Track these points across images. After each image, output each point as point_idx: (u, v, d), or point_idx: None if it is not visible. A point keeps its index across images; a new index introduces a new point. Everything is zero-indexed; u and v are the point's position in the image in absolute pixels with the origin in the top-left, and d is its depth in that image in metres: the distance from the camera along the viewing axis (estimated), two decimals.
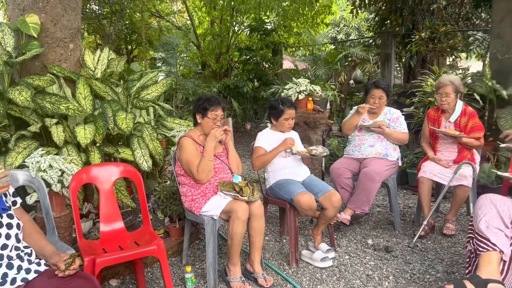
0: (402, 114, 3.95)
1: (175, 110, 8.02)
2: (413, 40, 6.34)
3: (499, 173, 2.47)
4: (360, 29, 16.57)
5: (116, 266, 2.85)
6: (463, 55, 9.51)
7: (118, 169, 2.66)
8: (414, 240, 3.35)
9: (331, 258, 3.14)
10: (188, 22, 11.67)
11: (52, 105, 2.97)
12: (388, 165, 3.69)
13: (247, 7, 9.08)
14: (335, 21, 17.54)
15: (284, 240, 3.57)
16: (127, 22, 10.81)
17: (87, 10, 9.78)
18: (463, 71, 5.23)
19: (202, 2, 10.60)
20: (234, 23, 10.20)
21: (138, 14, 10.31)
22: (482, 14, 8.83)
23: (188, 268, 2.78)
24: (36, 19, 3.22)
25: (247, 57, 9.79)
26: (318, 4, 10.53)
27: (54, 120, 3.07)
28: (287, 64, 12.08)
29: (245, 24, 10.71)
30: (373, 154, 3.74)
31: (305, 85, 4.47)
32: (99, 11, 10.32)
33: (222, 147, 3.05)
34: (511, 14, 4.87)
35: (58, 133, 2.96)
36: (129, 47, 14.25)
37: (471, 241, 2.17)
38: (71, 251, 2.15)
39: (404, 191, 4.91)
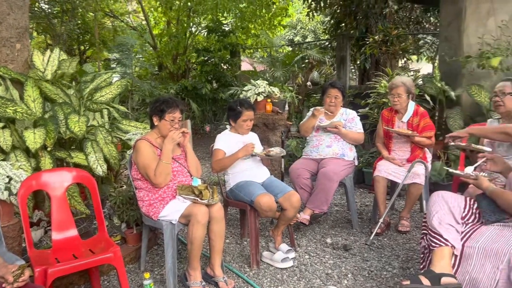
0: (358, 115, 4.05)
1: (131, 112, 7.82)
2: (367, 42, 6.52)
3: (450, 170, 2.57)
4: (316, 31, 16.85)
5: (70, 276, 2.72)
6: (414, 57, 9.91)
7: (70, 175, 2.56)
8: (371, 238, 3.44)
9: (292, 258, 3.16)
10: (144, 22, 11.43)
11: None
12: (345, 165, 3.76)
13: (204, 8, 9.01)
14: (292, 23, 17.75)
15: (245, 242, 3.56)
16: (79, 22, 10.44)
17: (36, 8, 9.35)
18: (415, 73, 5.44)
19: (158, 2, 10.42)
20: (191, 24, 10.09)
21: (91, 13, 9.98)
22: (431, 18, 9.23)
23: (147, 275, 2.70)
24: None
25: (205, 58, 9.70)
26: (275, 6, 10.62)
27: (1, 124, 2.91)
28: (245, 65, 12.10)
29: (203, 25, 10.62)
30: (331, 154, 3.80)
31: (264, 87, 4.49)
32: (49, 10, 9.91)
33: (181, 150, 3.00)
34: (458, 18, 5.11)
35: (4, 138, 2.81)
36: (82, 47, 13.77)
37: (424, 237, 2.24)
38: (20, 262, 2.03)
39: (361, 190, 5.03)
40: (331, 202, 4.57)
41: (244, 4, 10.03)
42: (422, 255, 2.32)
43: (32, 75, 3.24)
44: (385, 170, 3.66)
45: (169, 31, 10.06)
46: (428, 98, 5.13)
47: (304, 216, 3.62)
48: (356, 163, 3.99)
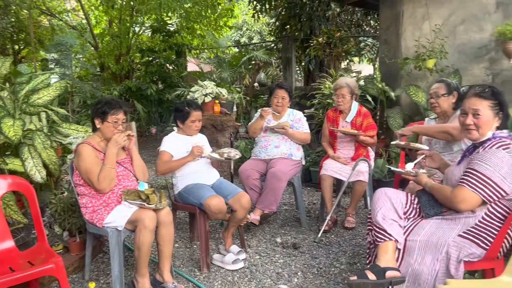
0: (304, 116, 4.13)
1: (72, 115, 7.46)
2: (311, 44, 6.66)
3: (392, 168, 2.69)
4: (262, 33, 17.00)
5: None
6: (356, 59, 10.28)
7: (5, 182, 2.39)
8: (319, 235, 3.52)
9: (242, 259, 3.15)
10: (84, 21, 10.96)
11: None
12: (293, 165, 3.82)
13: (148, 8, 8.79)
14: (238, 24, 17.79)
15: (195, 246, 3.51)
16: (13, 19, 9.81)
17: None
18: (357, 74, 5.63)
19: (99, 1, 10.03)
20: (134, 23, 9.80)
21: (25, 11, 9.41)
22: (372, 22, 9.61)
23: (92, 284, 2.58)
24: None
25: (150, 59, 9.47)
26: (220, 7, 10.58)
27: None
28: (192, 66, 11.95)
29: (147, 25, 10.36)
30: (279, 155, 3.85)
31: (211, 88, 4.45)
32: None
33: (126, 153, 2.90)
34: (396, 22, 5.35)
35: None
36: (16, 47, 12.97)
37: (370, 232, 2.32)
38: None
39: (308, 188, 5.13)
40: (280, 201, 4.62)
41: (189, 4, 9.92)
42: (368, 250, 2.40)
43: None
44: (330, 168, 3.76)
45: (110, 30, 9.71)
46: (369, 98, 5.35)
47: (254, 217, 3.63)
48: (304, 163, 4.06)
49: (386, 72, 5.50)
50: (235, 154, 3.23)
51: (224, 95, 4.51)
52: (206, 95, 4.38)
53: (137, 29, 10.33)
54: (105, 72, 10.41)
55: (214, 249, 3.41)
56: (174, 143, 3.24)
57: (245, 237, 3.58)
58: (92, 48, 10.61)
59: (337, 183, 4.16)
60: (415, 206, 2.32)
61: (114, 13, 9.93)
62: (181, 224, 3.97)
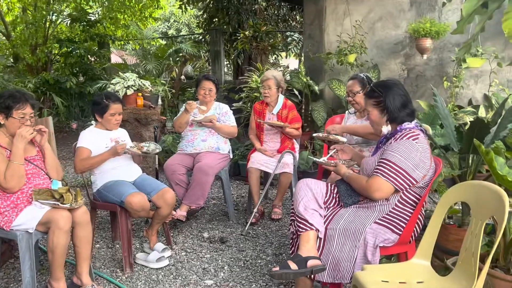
0: (232, 109, 4.12)
1: None
2: (238, 38, 6.66)
3: (314, 159, 2.75)
4: (190, 25, 16.74)
5: None
6: (283, 54, 10.47)
7: None
8: (246, 228, 3.53)
9: (167, 257, 3.07)
10: None
11: None
12: (220, 158, 3.79)
13: None
14: (165, 16, 17.35)
15: (117, 246, 3.35)
16: None
17: None
18: (284, 68, 5.71)
19: None
20: (51, 11, 9.15)
21: None
22: (297, 17, 9.82)
23: None
24: None
25: (69, 50, 8.91)
26: None
27: None
28: (115, 58, 11.44)
29: (65, 14, 9.73)
30: (206, 148, 3.80)
31: (134, 80, 4.28)
32: None
33: (36, 150, 2.68)
34: (319, 17, 5.50)
35: None
36: None
37: (293, 223, 2.35)
38: None
39: (237, 181, 5.13)
40: (209, 195, 4.57)
41: None
42: (291, 241, 2.44)
43: None
44: (257, 161, 3.78)
45: (24, 18, 8.97)
46: (296, 92, 5.46)
47: (181, 213, 3.55)
48: (231, 156, 4.05)
49: (310, 66, 5.65)
50: (154, 148, 3.11)
51: (147, 88, 4.35)
52: (128, 87, 4.19)
53: (54, 18, 9.67)
54: (20, 64, 9.64)
55: (139, 248, 3.29)
56: (93, 139, 3.06)
57: (171, 234, 3.49)
58: (4, 37, 9.77)
59: (265, 175, 4.21)
60: (334, 195, 2.39)
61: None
62: (103, 224, 3.79)
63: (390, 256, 2.55)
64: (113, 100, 3.08)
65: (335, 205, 2.38)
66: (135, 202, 2.82)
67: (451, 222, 2.70)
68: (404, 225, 2.18)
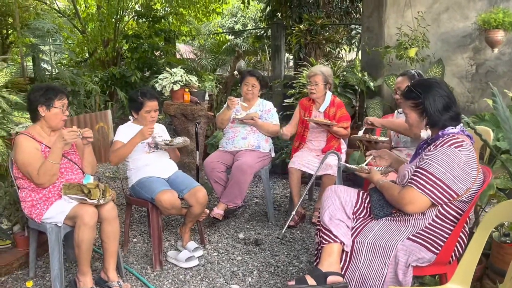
0: (283, 105, 3.97)
1: None
2: (293, 31, 6.45)
3: (346, 164, 2.53)
4: (256, 20, 16.71)
5: None
6: (347, 48, 10.04)
7: None
8: (283, 231, 3.34)
9: (198, 256, 3.02)
10: (72, 6, 10.72)
11: None
12: (261, 157, 3.66)
13: None
14: (233, 11, 17.49)
15: None
16: None
17: None
18: (338, 62, 5.42)
19: None
20: (121, 8, 9.55)
21: None
22: (360, 9, 9.35)
23: (29, 283, 2.47)
24: None
25: (135, 45, 9.25)
26: None
27: None
28: (187, 53, 11.71)
29: (134, 10, 10.11)
30: (246, 147, 3.69)
31: (181, 75, 4.27)
32: None
33: (71, 143, 2.72)
34: (379, 9, 5.14)
35: None
36: (4, 31, 12.74)
37: (318, 233, 2.17)
38: None
39: (284, 180, 4.97)
40: (252, 194, 4.49)
41: None
42: (316, 252, 2.25)
43: None
44: (298, 161, 3.60)
45: (94, 15, 9.45)
46: (356, 88, 5.16)
47: (218, 211, 3.48)
48: (273, 155, 3.90)
49: (368, 61, 5.31)
50: (179, 141, 3.04)
51: (194, 83, 4.32)
52: (175, 83, 4.19)
53: (124, 14, 10.10)
54: (91, 59, 10.20)
55: (173, 244, 3.27)
56: (128, 133, 3.06)
57: (207, 233, 3.44)
58: (80, 33, 10.39)
59: (309, 175, 4.01)
60: (365, 205, 2.17)
61: None
62: (144, 218, 3.83)
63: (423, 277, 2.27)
64: (149, 98, 3.06)
65: (366, 216, 2.16)
66: (165, 199, 2.79)
67: (507, 241, 2.34)
68: (443, 243, 1.91)
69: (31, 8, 10.75)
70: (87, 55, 10.79)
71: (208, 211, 3.28)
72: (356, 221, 2.13)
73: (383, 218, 2.07)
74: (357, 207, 2.16)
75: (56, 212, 2.46)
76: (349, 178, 4.48)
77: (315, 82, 3.65)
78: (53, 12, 10.98)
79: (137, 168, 3.06)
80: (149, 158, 3.08)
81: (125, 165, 3.16)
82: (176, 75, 4.25)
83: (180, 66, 4.60)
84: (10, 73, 3.20)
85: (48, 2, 10.76)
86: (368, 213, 2.16)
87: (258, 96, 3.89)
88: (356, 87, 5.11)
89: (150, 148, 3.11)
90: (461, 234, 1.92)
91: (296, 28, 6.28)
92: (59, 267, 2.47)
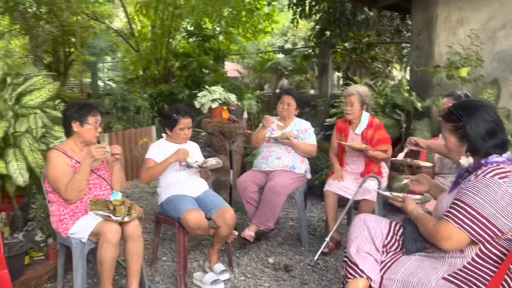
0: (325, 125, 3.84)
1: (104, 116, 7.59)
2: (338, 50, 6.31)
3: (381, 192, 2.34)
4: (306, 39, 16.66)
5: None
6: (398, 66, 9.71)
7: None
8: (315, 258, 3.16)
9: (224, 280, 2.91)
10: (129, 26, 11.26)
11: None
12: (295, 178, 3.53)
13: (182, 12, 8.81)
14: (283, 30, 17.56)
15: None
16: (63, 24, 10.17)
17: (21, 9, 9.06)
18: (381, 82, 5.19)
19: (138, 5, 10.21)
20: (172, 28, 9.87)
21: (74, 17, 9.72)
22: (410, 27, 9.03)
23: None
24: None
25: (185, 64, 9.49)
26: (259, 12, 10.42)
27: None
28: (231, 71, 11.89)
29: (185, 30, 10.42)
30: (280, 167, 3.58)
31: (219, 93, 4.26)
32: (31, 10, 9.64)
33: (101, 160, 2.74)
34: (429, 27, 4.90)
35: None
36: (67, 50, 13.56)
37: (344, 265, 2.00)
38: None
39: (323, 203, 4.75)
40: (288, 216, 4.35)
41: (229, 9, 9.84)
42: (342, 286, 2.07)
43: None
44: (335, 184, 3.43)
45: (146, 34, 9.84)
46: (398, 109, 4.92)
47: (249, 233, 3.38)
48: (309, 176, 3.75)
49: (417, 81, 5.06)
50: (214, 163, 2.99)
51: (233, 101, 4.30)
52: (213, 100, 4.19)
53: (176, 34, 10.43)
54: (141, 76, 10.59)
55: (202, 265, 3.19)
56: (160, 151, 3.06)
57: (237, 254, 3.34)
58: (135, 52, 10.84)
59: (348, 200, 3.81)
60: (398, 238, 1.97)
61: (156, 17, 10.06)
62: (176, 236, 3.78)
63: None
64: (183, 115, 3.05)
65: (397, 250, 1.96)
66: (191, 219, 2.73)
67: None
68: (484, 286, 1.68)
69: (90, 28, 11.36)
70: (141, 72, 11.23)
71: (236, 233, 3.18)
72: (386, 255, 1.94)
73: (416, 254, 1.87)
74: (388, 239, 1.97)
75: (81, 228, 2.47)
76: (390, 203, 4.21)
77: (351, 103, 3.49)
78: (110, 32, 11.58)
79: (167, 185, 3.04)
80: (180, 176, 3.05)
81: (156, 181, 3.15)
82: (215, 93, 4.24)
83: (219, 85, 4.59)
84: (53, 89, 3.31)
85: (106, 22, 11.32)
86: (400, 247, 1.96)
87: (295, 115, 3.77)
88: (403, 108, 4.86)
89: (181, 167, 3.08)
90: (505, 277, 1.68)
91: (341, 46, 6.13)
92: (82, 283, 2.46)
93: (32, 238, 3.05)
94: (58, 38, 10.33)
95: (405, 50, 9.30)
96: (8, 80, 3.33)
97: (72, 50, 11.85)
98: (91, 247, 2.49)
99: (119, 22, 12.92)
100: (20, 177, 2.92)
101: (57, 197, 2.55)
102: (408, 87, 4.93)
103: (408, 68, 5.79)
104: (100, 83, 8.61)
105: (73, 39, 11.11)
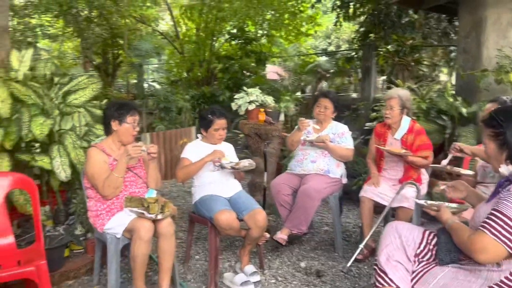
0: (365, 129, 3.77)
1: (146, 116, 7.83)
2: (381, 53, 6.16)
3: (416, 200, 2.25)
4: (350, 41, 16.40)
5: None
6: (446, 70, 9.37)
7: (7, 180, 2.44)
8: (348, 264, 3.12)
9: (254, 281, 2.91)
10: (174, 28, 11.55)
11: None
12: (329, 182, 3.47)
13: (225, 15, 8.93)
14: (327, 33, 17.39)
15: None
16: (113, 27, 10.59)
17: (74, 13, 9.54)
18: (427, 86, 5.02)
19: (183, 8, 10.45)
20: (215, 31, 10.03)
21: (123, 20, 10.11)
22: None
23: None
24: None
25: (226, 66, 9.61)
26: (302, 15, 10.38)
27: None
28: (271, 74, 11.92)
29: (228, 32, 10.55)
30: (315, 170, 3.53)
31: (256, 95, 4.27)
32: (83, 14, 10.11)
33: (137, 158, 2.82)
34: (477, 29, 4.69)
35: None
36: (115, 52, 14.08)
37: (374, 273, 1.94)
38: None
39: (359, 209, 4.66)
40: (323, 221, 4.28)
41: (271, 12, 9.87)
42: None
43: (1, 75, 3.20)
44: (371, 190, 3.34)
45: (190, 37, 10.04)
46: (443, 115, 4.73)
47: (281, 236, 3.35)
48: (345, 181, 3.68)
49: (463, 85, 4.86)
50: (247, 164, 2.99)
51: (270, 104, 4.30)
52: (250, 102, 4.21)
53: (219, 36, 10.57)
54: (187, 78, 10.81)
55: (233, 266, 3.21)
56: (196, 151, 3.11)
57: (268, 257, 3.33)
58: (179, 54, 11.10)
59: (384, 207, 3.70)
60: (431, 247, 1.89)
61: (200, 20, 10.24)
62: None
63: None
64: (218, 116, 3.09)
65: (430, 260, 1.88)
66: (223, 219, 2.75)
67: None
68: None
69: (137, 31, 11.74)
70: (184, 74, 11.48)
71: (268, 235, 3.17)
72: (418, 265, 1.86)
73: (450, 265, 1.78)
74: (421, 248, 1.89)
75: (116, 224, 2.55)
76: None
77: (390, 106, 3.39)
78: (156, 34, 11.92)
79: (201, 185, 3.08)
80: (213, 176, 3.08)
81: (191, 181, 3.20)
82: (251, 95, 4.26)
83: (257, 87, 4.60)
84: (96, 89, 3.46)
85: (152, 25, 11.65)
86: (433, 257, 1.88)
87: (332, 118, 3.72)
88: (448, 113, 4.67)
89: (215, 167, 3.11)
90: None
91: (384, 49, 5.98)
92: (115, 278, 2.54)
93: (72, 232, 3.19)
94: (107, 40, 10.78)
95: (453, 54, 8.95)
96: (55, 79, 3.51)
97: (120, 52, 12.33)
98: (125, 243, 2.57)
99: (165, 25, 13.26)
100: (63, 172, 3.06)
101: (95, 193, 2.65)
102: (453, 92, 4.74)
103: (454, 72, 5.53)
104: (145, 84, 8.85)
105: (121, 42, 11.56)
